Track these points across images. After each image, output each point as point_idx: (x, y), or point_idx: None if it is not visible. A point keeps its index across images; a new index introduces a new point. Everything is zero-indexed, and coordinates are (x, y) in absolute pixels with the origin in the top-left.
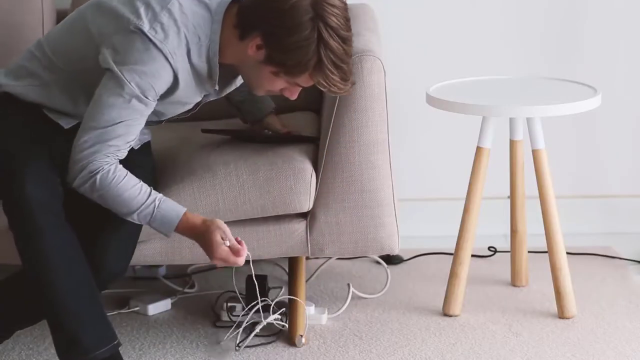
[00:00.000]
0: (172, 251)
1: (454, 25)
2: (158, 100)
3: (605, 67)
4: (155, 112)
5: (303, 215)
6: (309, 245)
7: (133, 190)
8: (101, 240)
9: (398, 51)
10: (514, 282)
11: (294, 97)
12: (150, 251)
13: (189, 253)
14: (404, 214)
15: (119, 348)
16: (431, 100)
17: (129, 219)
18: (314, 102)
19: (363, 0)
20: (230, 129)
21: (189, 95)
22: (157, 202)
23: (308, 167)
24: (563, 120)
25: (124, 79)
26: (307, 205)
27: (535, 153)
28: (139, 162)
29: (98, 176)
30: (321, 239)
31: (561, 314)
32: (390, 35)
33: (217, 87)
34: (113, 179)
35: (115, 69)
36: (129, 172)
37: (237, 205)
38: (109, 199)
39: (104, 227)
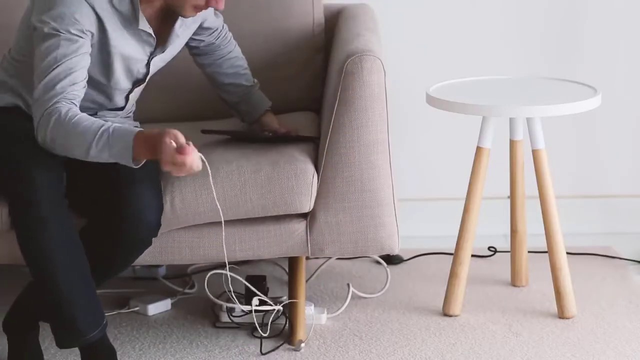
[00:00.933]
0: (172, 250)
1: (454, 25)
2: (96, 48)
3: (605, 67)
4: (105, 72)
5: (303, 215)
6: (309, 245)
7: (87, 123)
8: (132, 196)
9: (398, 51)
10: (514, 282)
11: (220, 6)
12: (150, 249)
13: (189, 253)
14: (404, 214)
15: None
16: (431, 100)
17: (90, 157)
18: (314, 102)
19: (363, 0)
20: (230, 129)
21: (127, 46)
22: (110, 129)
23: (310, 168)
24: (563, 120)
25: (43, 24)
26: (307, 205)
27: (535, 153)
28: None
29: (53, 119)
30: (321, 238)
31: (561, 314)
32: (390, 35)
33: (150, 31)
34: (66, 117)
35: (35, 20)
36: (82, 113)
37: (238, 204)
38: (66, 137)
39: (132, 184)
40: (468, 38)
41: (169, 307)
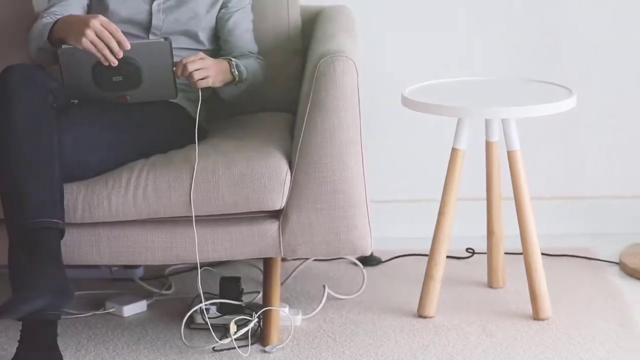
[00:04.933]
0: (145, 251)
1: (431, 27)
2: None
3: (582, 68)
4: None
5: (275, 216)
6: (282, 246)
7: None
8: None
9: (376, 52)
10: (490, 284)
11: None
12: (124, 249)
13: (162, 254)
14: (383, 216)
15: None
16: (406, 102)
17: (34, 46)
18: (292, 104)
19: (341, 2)
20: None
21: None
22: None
23: (284, 165)
24: (540, 122)
25: None
26: (279, 203)
27: (510, 154)
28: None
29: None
30: (293, 239)
31: (536, 316)
32: (368, 37)
33: None
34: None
35: None
36: None
37: (209, 199)
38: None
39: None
40: (445, 40)
41: (145, 308)
